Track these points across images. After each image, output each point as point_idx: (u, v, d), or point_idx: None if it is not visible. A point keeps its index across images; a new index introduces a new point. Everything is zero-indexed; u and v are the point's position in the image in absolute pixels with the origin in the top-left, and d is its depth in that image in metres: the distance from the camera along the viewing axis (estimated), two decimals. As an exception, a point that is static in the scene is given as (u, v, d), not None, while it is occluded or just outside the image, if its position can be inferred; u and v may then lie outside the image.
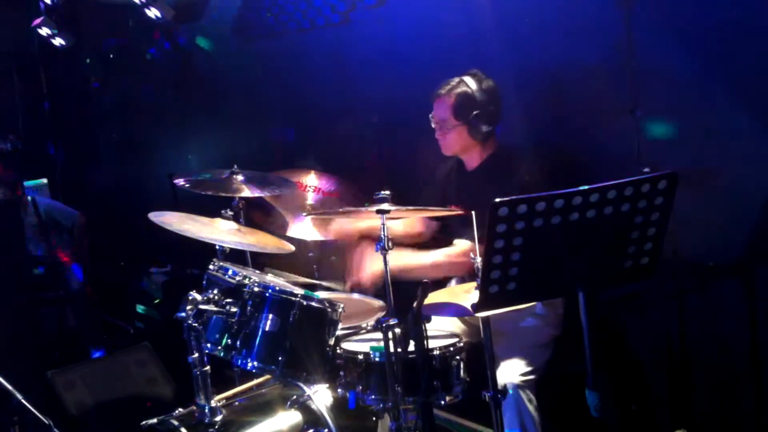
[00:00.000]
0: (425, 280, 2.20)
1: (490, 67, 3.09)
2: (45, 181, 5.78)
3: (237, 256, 3.11)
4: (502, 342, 2.90)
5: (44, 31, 5.30)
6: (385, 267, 2.57)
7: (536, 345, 2.90)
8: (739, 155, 2.79)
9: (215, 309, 2.44)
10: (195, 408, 2.50)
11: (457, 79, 3.05)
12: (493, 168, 3.08)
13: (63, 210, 5.69)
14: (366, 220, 3.17)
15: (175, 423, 2.52)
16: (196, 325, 2.39)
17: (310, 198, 3.55)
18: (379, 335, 2.51)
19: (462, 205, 2.90)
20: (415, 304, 2.19)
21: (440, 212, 3.04)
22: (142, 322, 5.15)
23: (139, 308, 5.18)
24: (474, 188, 3.05)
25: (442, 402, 2.59)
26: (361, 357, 2.62)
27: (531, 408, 2.73)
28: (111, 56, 6.31)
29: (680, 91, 2.91)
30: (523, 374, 2.77)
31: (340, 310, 2.58)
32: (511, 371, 2.77)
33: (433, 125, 3.10)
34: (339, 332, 2.66)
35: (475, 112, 2.99)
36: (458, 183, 3.19)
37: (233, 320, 2.47)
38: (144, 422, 2.55)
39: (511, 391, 2.70)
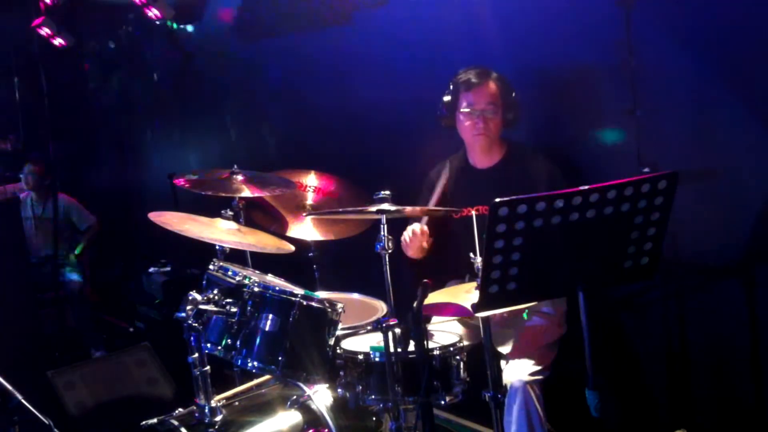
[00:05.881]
0: (425, 280, 2.20)
1: (490, 67, 3.09)
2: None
3: (237, 257, 3.12)
4: (511, 341, 2.90)
5: (44, 31, 5.32)
6: (385, 267, 2.57)
7: (545, 344, 2.89)
8: (739, 155, 2.79)
9: (215, 309, 2.44)
10: (195, 408, 2.51)
11: (479, 67, 3.06)
12: (513, 164, 3.08)
13: (82, 212, 5.70)
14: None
15: (175, 423, 2.53)
16: (196, 325, 2.40)
17: (310, 198, 3.56)
18: (379, 335, 2.51)
19: (478, 205, 2.92)
20: (415, 304, 2.19)
21: (440, 211, 3.04)
22: (142, 322, 5.15)
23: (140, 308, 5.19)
24: (494, 186, 3.01)
25: (442, 402, 2.59)
26: (361, 357, 2.62)
27: (539, 406, 2.73)
28: (111, 56, 6.32)
29: (680, 91, 2.91)
30: (532, 373, 2.76)
31: (340, 310, 2.58)
32: (521, 370, 2.77)
33: (470, 111, 3.02)
34: (339, 332, 2.66)
35: (513, 95, 3.05)
36: (467, 183, 3.16)
37: (233, 320, 2.47)
38: (144, 422, 2.56)
39: (520, 388, 2.71)
